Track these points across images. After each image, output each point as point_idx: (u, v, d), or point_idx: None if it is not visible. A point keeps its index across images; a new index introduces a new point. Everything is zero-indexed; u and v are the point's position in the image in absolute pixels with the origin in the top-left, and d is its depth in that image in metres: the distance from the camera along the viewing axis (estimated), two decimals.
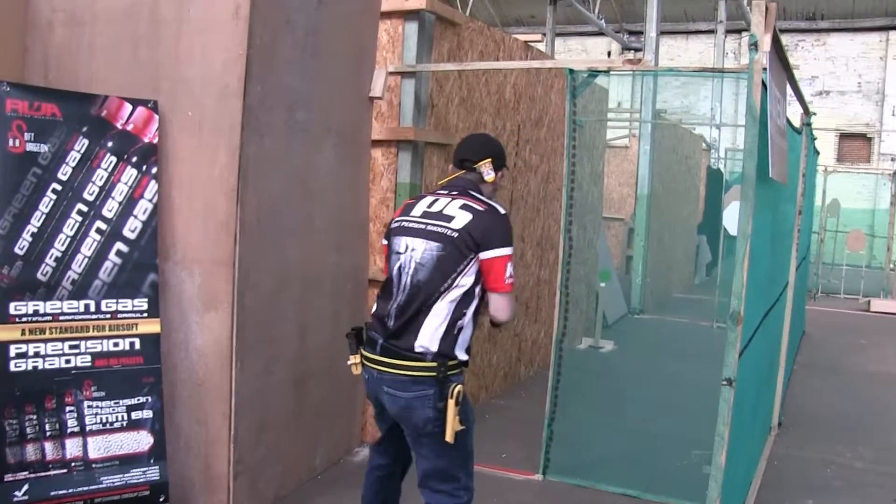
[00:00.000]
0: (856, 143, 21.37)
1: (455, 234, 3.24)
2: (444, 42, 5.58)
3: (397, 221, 3.45)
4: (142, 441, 3.84)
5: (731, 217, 10.40)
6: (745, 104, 3.20)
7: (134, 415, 3.84)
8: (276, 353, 4.36)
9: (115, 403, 3.81)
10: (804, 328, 10.74)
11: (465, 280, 3.22)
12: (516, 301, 3.89)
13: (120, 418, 3.82)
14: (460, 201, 3.34)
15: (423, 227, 3.35)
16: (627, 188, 15.84)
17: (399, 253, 3.37)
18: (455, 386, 3.21)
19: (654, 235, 12.21)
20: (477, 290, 3.25)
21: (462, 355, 3.27)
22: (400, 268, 3.34)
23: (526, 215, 7.31)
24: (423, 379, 3.22)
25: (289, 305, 4.42)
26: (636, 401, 6.92)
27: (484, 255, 3.22)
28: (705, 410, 3.93)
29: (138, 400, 3.85)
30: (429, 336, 3.22)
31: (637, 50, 21.88)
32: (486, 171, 3.48)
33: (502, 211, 3.31)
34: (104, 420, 3.78)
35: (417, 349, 3.22)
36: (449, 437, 3.20)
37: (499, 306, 3.27)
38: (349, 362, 3.41)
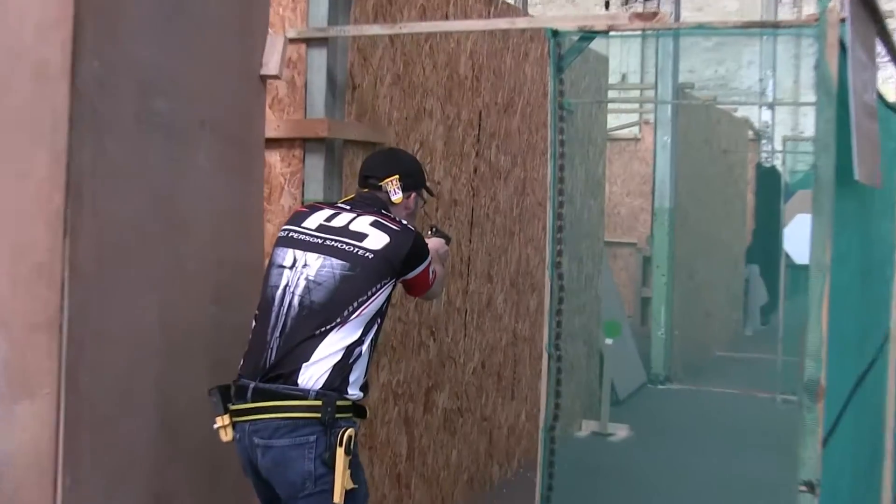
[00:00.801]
0: None
1: (371, 256, 4.06)
2: None
3: (284, 230, 4.24)
4: None
5: (797, 237, 10.58)
6: (815, 74, 3.23)
7: None
8: (128, 459, 4.29)
9: None
10: None
11: (374, 305, 4.04)
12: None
13: None
14: (370, 217, 4.20)
15: (319, 241, 4.12)
16: (640, 199, 16.33)
17: (283, 267, 4.11)
18: (345, 431, 3.85)
19: (681, 267, 12.43)
20: (381, 314, 4.09)
21: (354, 393, 3.96)
22: (286, 286, 4.07)
23: (493, 243, 7.41)
24: (303, 422, 3.87)
25: (146, 387, 4.35)
26: None
27: (409, 275, 4.22)
28: None
29: None
30: (316, 368, 3.91)
31: None
32: (393, 189, 4.36)
33: (412, 227, 4.26)
34: None
35: (300, 384, 3.89)
36: (337, 498, 3.80)
37: (431, 297, 4.55)
38: (216, 426, 4.04)
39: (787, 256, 11.20)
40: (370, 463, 5.80)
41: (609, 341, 9.39)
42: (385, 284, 4.07)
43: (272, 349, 4.00)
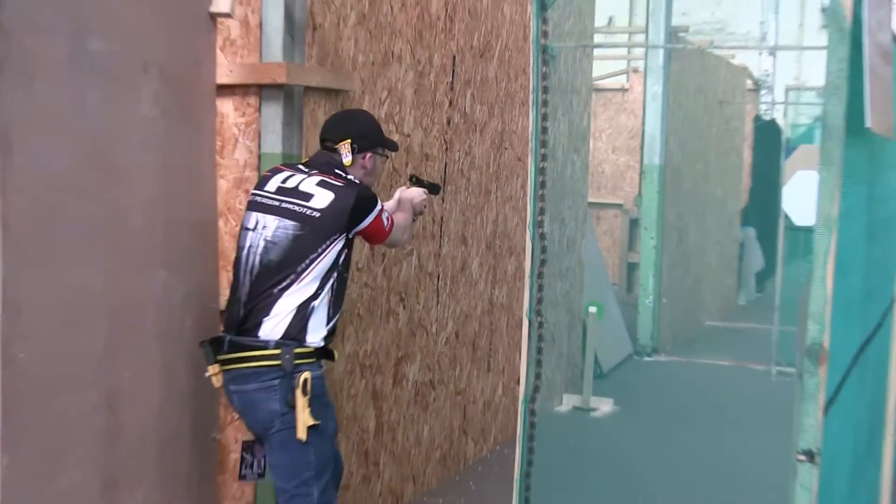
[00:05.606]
0: None
1: (317, 215, 4.72)
2: None
3: (252, 194, 4.92)
4: None
5: (797, 196, 10.52)
6: (823, 15, 3.19)
7: None
8: (69, 436, 4.27)
9: None
10: None
11: (326, 260, 4.72)
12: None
13: None
14: (317, 178, 4.83)
15: (276, 203, 4.79)
16: (627, 156, 16.72)
17: (248, 229, 4.81)
18: (302, 374, 4.60)
19: (671, 230, 12.61)
20: (336, 268, 4.76)
21: (315, 340, 4.70)
22: (249, 247, 4.78)
23: (468, 202, 7.47)
24: (266, 370, 4.65)
25: (89, 357, 4.37)
26: (653, 492, 7.11)
27: (359, 227, 4.81)
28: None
29: None
30: (275, 321, 4.67)
31: None
32: (344, 153, 4.95)
33: (356, 181, 4.88)
34: None
35: (262, 337, 4.67)
36: (301, 433, 4.58)
37: (392, 244, 5.18)
38: (207, 374, 4.75)
39: (787, 218, 11.19)
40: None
41: (592, 311, 9.44)
42: (335, 240, 4.75)
43: (241, 304, 4.75)
